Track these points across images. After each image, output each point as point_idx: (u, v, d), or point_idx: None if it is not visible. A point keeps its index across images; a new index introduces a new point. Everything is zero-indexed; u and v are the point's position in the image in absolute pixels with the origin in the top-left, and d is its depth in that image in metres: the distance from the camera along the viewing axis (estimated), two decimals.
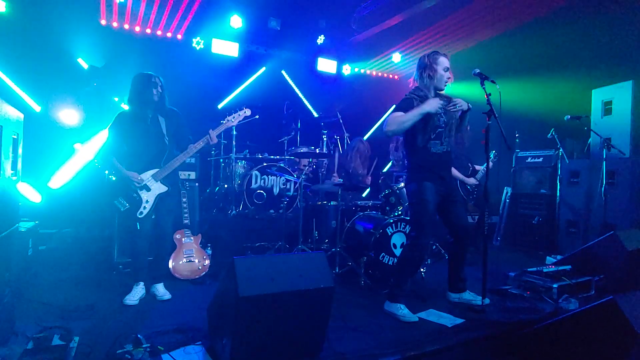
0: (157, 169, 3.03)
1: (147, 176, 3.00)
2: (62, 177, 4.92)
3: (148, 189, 3.00)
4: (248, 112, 3.27)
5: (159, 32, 5.86)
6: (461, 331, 2.65)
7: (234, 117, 3.18)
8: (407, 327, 2.72)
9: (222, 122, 3.16)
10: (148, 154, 3.01)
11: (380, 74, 7.79)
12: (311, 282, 2.00)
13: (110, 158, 3.00)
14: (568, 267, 3.63)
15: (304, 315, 2.01)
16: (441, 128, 2.97)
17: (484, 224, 3.05)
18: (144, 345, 1.98)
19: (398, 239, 3.78)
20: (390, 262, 3.71)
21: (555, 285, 3.28)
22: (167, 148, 3.05)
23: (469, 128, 3.10)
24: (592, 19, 5.41)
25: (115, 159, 2.99)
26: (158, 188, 3.04)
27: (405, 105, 2.88)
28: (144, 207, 2.98)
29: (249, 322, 1.90)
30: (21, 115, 2.39)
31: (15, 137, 2.23)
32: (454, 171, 4.61)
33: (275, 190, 5.13)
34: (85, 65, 5.24)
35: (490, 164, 4.79)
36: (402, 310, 2.84)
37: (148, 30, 5.77)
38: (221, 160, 5.45)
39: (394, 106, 2.98)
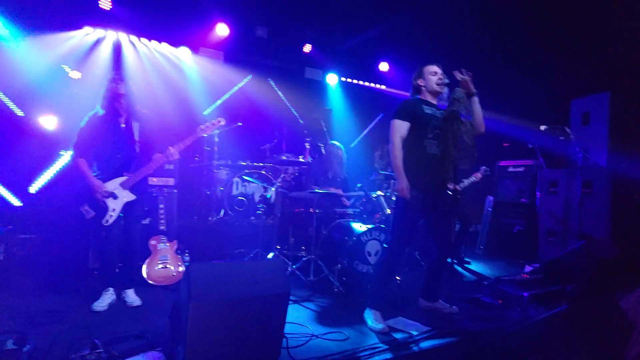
0: (125, 177, 3.04)
1: (115, 184, 3.01)
2: (40, 182, 4.92)
3: (115, 197, 3.00)
4: (222, 121, 3.30)
5: (143, 39, 5.90)
6: (427, 339, 2.65)
7: (206, 127, 3.21)
8: (374, 334, 2.72)
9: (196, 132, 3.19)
10: (117, 160, 3.02)
11: (367, 83, 7.84)
12: (266, 288, 2.02)
13: (78, 161, 2.97)
14: (540, 275, 3.66)
15: (259, 322, 2.02)
16: (439, 130, 2.95)
17: (453, 232, 3.08)
18: (98, 350, 1.98)
19: (373, 247, 3.80)
20: (364, 270, 3.72)
21: (525, 294, 3.29)
22: (137, 155, 3.06)
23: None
24: (573, 32, 5.50)
25: (84, 161, 2.97)
26: (126, 196, 3.04)
27: (402, 112, 2.98)
28: (110, 216, 2.97)
29: (202, 329, 1.90)
30: None
31: None
32: None
33: (256, 197, 5.15)
34: (68, 71, 5.26)
35: (479, 176, 4.85)
36: (372, 319, 2.85)
37: (133, 38, 5.80)
38: (203, 166, 5.46)
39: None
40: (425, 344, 2.57)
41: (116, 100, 2.97)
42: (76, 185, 3.08)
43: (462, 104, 2.89)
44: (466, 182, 4.85)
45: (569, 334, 2.33)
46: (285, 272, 2.14)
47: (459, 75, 2.88)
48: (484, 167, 4.87)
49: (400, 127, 2.95)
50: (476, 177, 4.85)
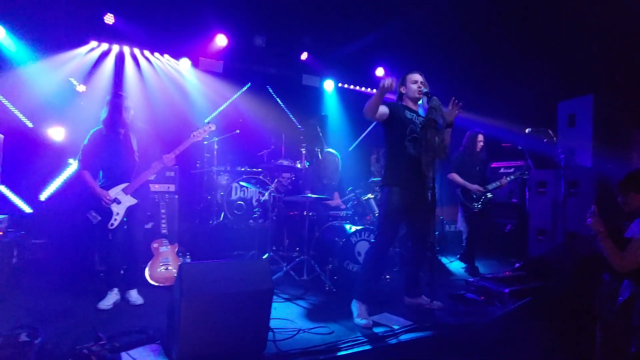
0: (127, 183, 3.29)
1: (117, 190, 3.27)
2: (50, 190, 5.19)
3: (118, 202, 3.26)
4: (213, 127, 3.57)
5: (146, 52, 6.16)
6: (405, 332, 2.83)
7: (198, 133, 3.44)
8: (358, 328, 2.90)
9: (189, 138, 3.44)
10: (119, 168, 3.28)
11: (363, 89, 8.04)
12: (252, 284, 2.23)
13: (83, 173, 3.25)
14: (523, 272, 3.83)
15: (245, 316, 2.23)
16: (416, 134, 3.18)
17: (434, 231, 3.26)
18: (102, 342, 2.20)
19: (362, 247, 3.99)
20: (354, 269, 3.92)
21: (506, 290, 3.47)
22: (136, 164, 3.31)
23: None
24: (558, 38, 5.66)
25: (88, 173, 3.25)
26: (128, 201, 3.30)
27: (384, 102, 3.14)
28: (115, 219, 3.23)
29: (193, 322, 2.12)
30: (1, 136, 2.65)
31: None
32: (455, 177, 4.80)
33: (254, 202, 5.37)
34: (75, 84, 5.54)
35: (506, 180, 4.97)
36: (357, 314, 3.03)
37: (136, 50, 6.07)
38: (204, 172, 5.70)
39: None
40: (403, 337, 2.76)
41: (118, 114, 3.22)
42: (82, 193, 3.34)
43: (438, 112, 3.10)
44: (495, 183, 4.93)
45: (537, 326, 2.51)
46: (269, 270, 2.35)
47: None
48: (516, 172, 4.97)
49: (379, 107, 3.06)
50: (502, 182, 4.90)
